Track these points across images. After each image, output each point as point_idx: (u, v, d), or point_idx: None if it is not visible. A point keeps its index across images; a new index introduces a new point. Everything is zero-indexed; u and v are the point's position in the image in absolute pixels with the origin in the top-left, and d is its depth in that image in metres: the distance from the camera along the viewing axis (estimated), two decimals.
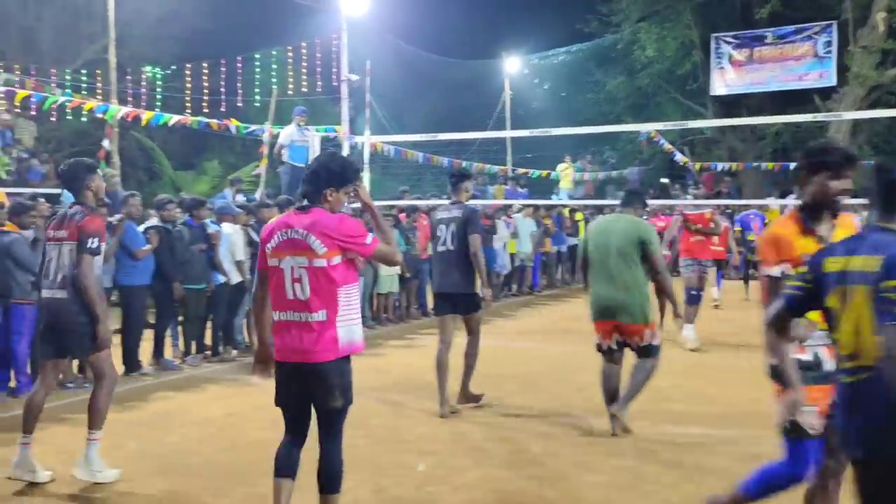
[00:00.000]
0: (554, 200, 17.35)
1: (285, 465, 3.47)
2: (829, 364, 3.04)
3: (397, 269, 10.67)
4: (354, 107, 12.88)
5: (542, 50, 24.65)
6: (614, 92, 24.19)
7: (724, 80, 21.95)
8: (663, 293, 5.66)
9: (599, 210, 17.32)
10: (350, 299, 3.45)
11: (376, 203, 11.33)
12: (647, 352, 5.41)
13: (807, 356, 3.13)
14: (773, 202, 15.92)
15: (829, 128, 19.86)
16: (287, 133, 11.77)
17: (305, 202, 3.50)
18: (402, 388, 6.96)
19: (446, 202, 6.64)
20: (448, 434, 5.51)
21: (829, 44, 20.58)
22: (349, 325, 3.43)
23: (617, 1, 23.00)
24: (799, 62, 21.12)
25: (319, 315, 3.36)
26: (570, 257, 16.41)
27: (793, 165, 18.94)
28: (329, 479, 3.44)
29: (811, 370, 3.09)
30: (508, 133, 19.26)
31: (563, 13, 24.69)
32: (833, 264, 2.56)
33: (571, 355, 8.44)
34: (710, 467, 4.69)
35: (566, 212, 16.42)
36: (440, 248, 6.14)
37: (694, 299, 8.85)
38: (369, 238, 3.47)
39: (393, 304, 10.93)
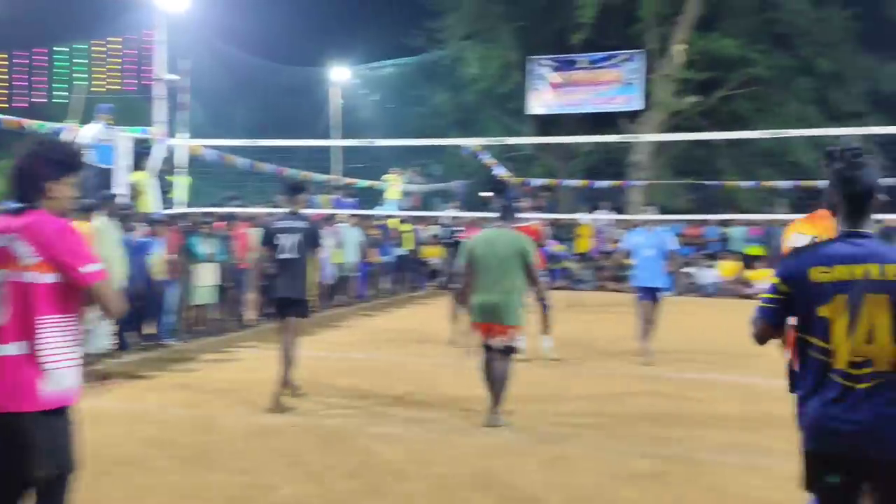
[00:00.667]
0: (381, 210, 17.43)
1: None
2: None
3: (215, 279, 10.28)
4: (171, 107, 12.28)
5: (371, 61, 24.81)
6: (440, 106, 24.75)
7: (541, 101, 23.18)
8: (539, 295, 6.45)
9: (422, 220, 17.73)
10: (65, 333, 2.72)
11: (193, 210, 10.86)
12: (508, 352, 5.99)
13: None
14: (583, 217, 16.95)
15: (635, 149, 21.44)
16: (90, 132, 10.97)
17: (19, 204, 2.76)
18: (216, 404, 6.68)
19: (267, 210, 6.77)
20: (262, 450, 5.35)
21: (636, 70, 22.29)
22: (59, 368, 2.68)
23: (443, 18, 23.60)
24: (609, 87, 22.71)
25: (11, 348, 2.64)
26: (397, 267, 16.58)
27: (602, 183, 20.26)
28: None
29: None
30: (336, 142, 19.16)
31: (391, 26, 24.98)
32: (825, 274, 2.51)
33: (396, 365, 8.51)
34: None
35: (393, 223, 16.56)
36: (282, 256, 6.53)
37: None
38: (93, 267, 2.70)
39: (209, 316, 10.49)
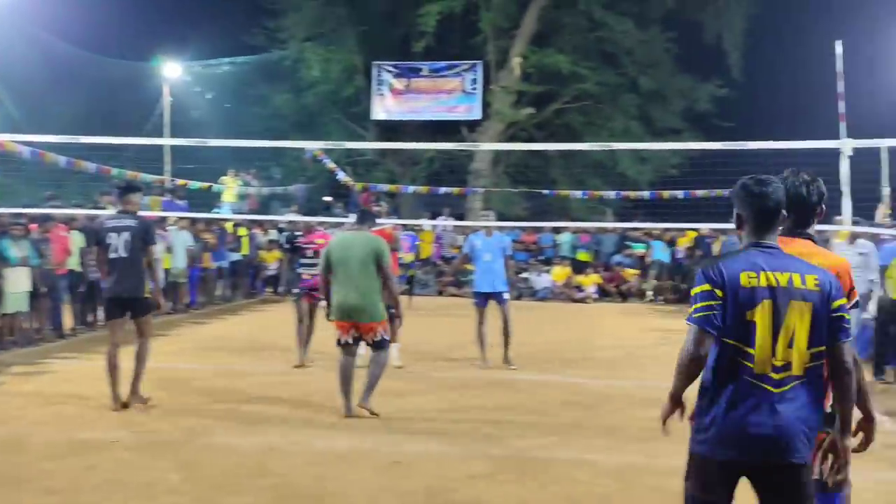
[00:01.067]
0: (216, 214, 16.78)
1: None
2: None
3: (28, 285, 9.48)
4: None
5: (206, 58, 23.82)
6: (280, 108, 24.17)
7: (384, 107, 23.25)
8: (391, 298, 6.70)
9: (260, 224, 17.24)
10: None
11: (4, 210, 9.97)
12: (380, 345, 6.46)
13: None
14: (424, 223, 17.13)
15: (475, 157, 21.97)
16: None
17: None
18: (26, 421, 6.13)
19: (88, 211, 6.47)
20: (76, 468, 4.96)
21: (475, 81, 22.87)
22: None
23: (283, 18, 23.11)
24: (450, 95, 23.16)
25: None
26: (232, 273, 16.01)
27: (443, 190, 20.62)
28: None
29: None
30: (166, 141, 18.22)
31: (228, 23, 24.11)
32: (753, 279, 2.62)
33: (227, 374, 8.18)
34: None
35: (230, 226, 15.98)
36: (112, 256, 6.54)
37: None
38: None
39: (19, 325, 9.65)
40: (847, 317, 2.70)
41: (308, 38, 23.07)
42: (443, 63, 23.17)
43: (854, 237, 9.74)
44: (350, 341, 6.43)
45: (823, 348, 2.66)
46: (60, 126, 14.35)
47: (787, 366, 2.63)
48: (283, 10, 23.20)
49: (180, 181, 18.08)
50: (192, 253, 13.68)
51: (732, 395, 2.63)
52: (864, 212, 12.11)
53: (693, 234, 17.05)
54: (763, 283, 2.63)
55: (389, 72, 23.28)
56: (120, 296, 6.57)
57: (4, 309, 9.28)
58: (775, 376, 2.62)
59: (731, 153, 11.02)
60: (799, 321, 2.63)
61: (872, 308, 9.54)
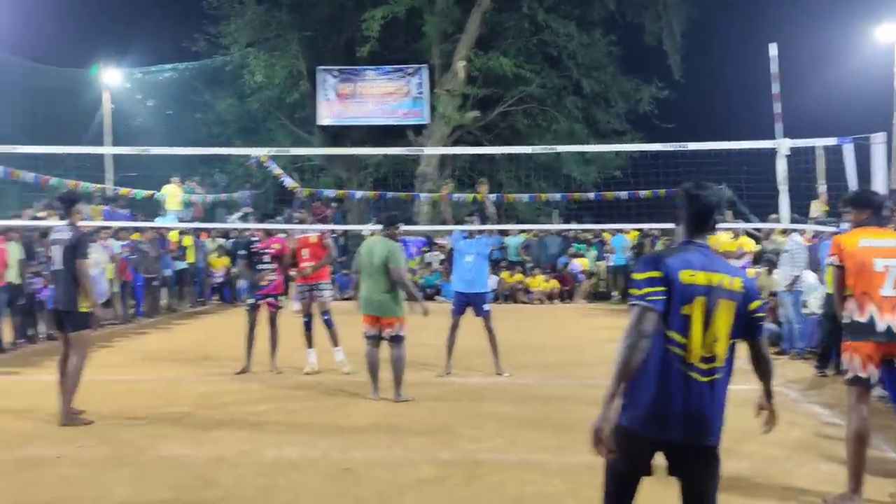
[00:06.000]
0: (160, 222, 16.50)
1: None
2: (880, 324, 4.45)
3: None
4: None
5: (146, 65, 23.42)
6: (224, 114, 23.85)
7: (330, 112, 23.18)
8: (408, 296, 7.27)
9: (206, 231, 17.01)
10: None
11: None
12: (397, 340, 7.14)
13: (864, 318, 4.50)
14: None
15: (421, 161, 22.03)
16: None
17: None
18: None
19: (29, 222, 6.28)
20: (19, 484, 4.85)
21: (420, 84, 22.93)
22: None
23: (226, 24, 22.84)
24: (396, 100, 23.18)
25: None
26: (177, 281, 15.77)
27: (391, 194, 20.62)
28: None
29: (868, 330, 4.46)
30: (108, 149, 17.85)
31: (169, 29, 23.76)
32: (691, 276, 2.88)
33: (172, 384, 8.08)
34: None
35: (174, 235, 15.74)
36: (52, 268, 6.70)
37: (306, 326, 8.81)
38: None
39: None
40: (763, 315, 3.07)
41: (251, 44, 22.83)
42: (388, 67, 23.18)
43: (788, 233, 10.08)
44: (375, 334, 7.21)
45: (735, 342, 2.96)
46: None
47: (713, 357, 2.89)
48: (226, 16, 22.95)
49: (123, 190, 17.74)
50: (134, 262, 13.45)
51: (664, 379, 2.86)
52: (801, 209, 12.54)
53: (636, 234, 17.40)
54: (701, 281, 2.89)
55: (335, 76, 23.21)
56: (56, 308, 6.68)
57: None
58: (703, 366, 2.88)
59: (672, 154, 11.29)
60: (724, 318, 2.91)
61: (813, 304, 9.89)
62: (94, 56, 21.38)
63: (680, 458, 2.91)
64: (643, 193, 18.20)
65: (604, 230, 17.99)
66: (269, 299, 8.75)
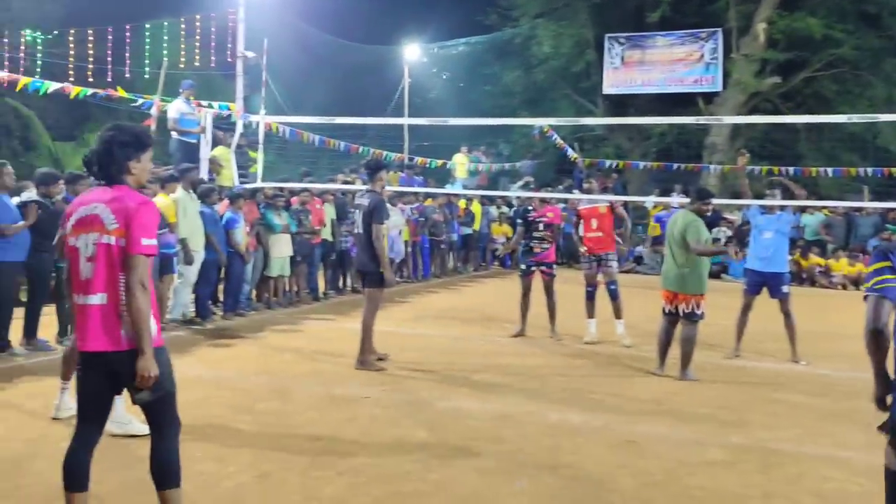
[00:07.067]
0: (450, 189, 17.49)
1: (79, 477, 3.19)
2: None
3: (290, 251, 10.52)
4: (250, 85, 12.54)
5: (442, 40, 24.75)
6: (511, 85, 24.53)
7: (616, 80, 22.75)
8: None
9: (490, 199, 17.71)
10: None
11: (272, 184, 11.06)
12: (692, 317, 6.96)
13: None
14: (651, 200, 16.58)
15: (711, 131, 20.91)
16: (176, 107, 11.38)
17: (102, 180, 3.23)
18: (288, 375, 6.88)
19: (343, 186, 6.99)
20: (336, 419, 5.49)
21: (714, 50, 21.65)
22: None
23: None
24: (686, 66, 22.13)
25: (97, 298, 3.09)
26: (463, 245, 16.65)
27: (675, 165, 19.88)
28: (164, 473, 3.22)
29: None
30: (406, 120, 19.18)
31: (463, 4, 24.85)
32: None
33: (453, 341, 8.61)
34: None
35: (462, 202, 16.60)
36: (355, 231, 7.25)
37: (589, 295, 8.81)
38: (148, 241, 3.10)
39: (283, 287, 10.76)
40: None
41: (540, 15, 23.13)
42: (679, 32, 22.17)
43: None
44: (672, 310, 7.06)
45: None
46: (316, 108, 15.67)
47: None
48: None
49: (419, 159, 19.05)
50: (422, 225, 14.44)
51: None
52: None
53: None
54: None
55: (622, 44, 22.72)
56: (358, 269, 7.45)
57: (270, 272, 10.39)
58: None
59: None
60: None
61: None
62: (396, 33, 23.05)
63: None
64: None
65: None
66: (543, 267, 8.89)
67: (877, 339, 2.80)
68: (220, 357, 7.51)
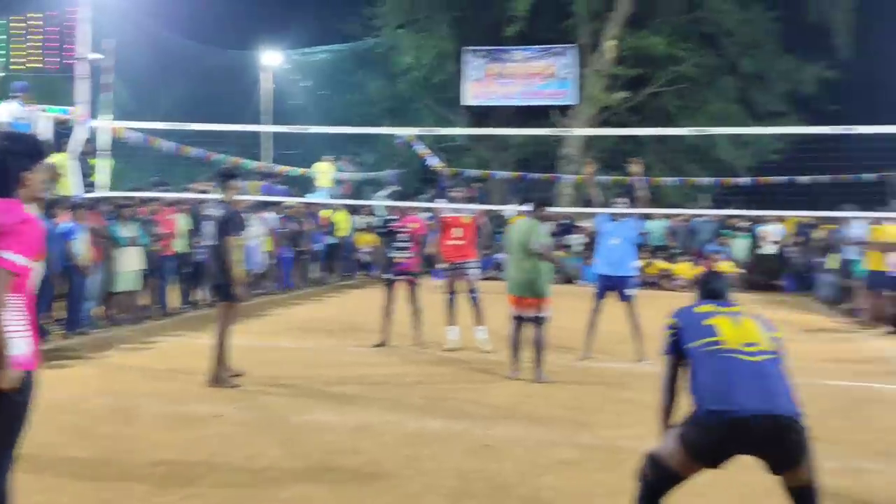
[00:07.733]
0: (312, 198, 17.20)
1: None
2: None
3: (140, 264, 10.01)
4: (94, 88, 11.84)
5: (304, 46, 24.44)
6: (374, 95, 24.52)
7: (475, 92, 23.22)
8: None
9: (354, 209, 17.60)
10: (16, 309, 2.94)
11: (116, 193, 10.44)
12: (540, 320, 7.26)
13: None
14: (511, 209, 16.99)
15: (565, 142, 21.74)
16: (8, 110, 10.55)
17: None
18: (133, 394, 6.51)
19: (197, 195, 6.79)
20: (183, 440, 5.25)
21: (568, 65, 22.54)
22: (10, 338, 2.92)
23: (378, 5, 23.40)
24: (543, 80, 22.91)
25: None
26: (326, 256, 16.42)
27: (532, 175, 20.51)
28: None
29: None
30: (265, 127, 18.80)
31: (325, 12, 24.66)
32: None
33: (315, 354, 8.46)
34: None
35: (326, 211, 16.37)
36: (207, 242, 7.38)
37: (449, 302, 8.87)
38: (12, 256, 2.84)
39: (132, 303, 10.21)
40: None
41: (401, 25, 23.29)
42: (535, 47, 22.93)
43: None
44: (520, 314, 7.31)
45: None
46: (167, 113, 15.02)
47: None
48: None
49: (280, 167, 18.65)
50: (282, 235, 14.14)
51: None
52: None
53: (794, 222, 16.41)
54: None
55: (482, 57, 23.23)
56: (216, 284, 7.18)
57: (116, 287, 9.82)
58: None
59: (836, 138, 10.48)
60: None
61: None
62: (255, 39, 22.53)
63: None
64: (803, 180, 17.15)
65: (759, 217, 17.05)
66: (406, 276, 8.92)
67: None
68: (58, 378, 7.00)
